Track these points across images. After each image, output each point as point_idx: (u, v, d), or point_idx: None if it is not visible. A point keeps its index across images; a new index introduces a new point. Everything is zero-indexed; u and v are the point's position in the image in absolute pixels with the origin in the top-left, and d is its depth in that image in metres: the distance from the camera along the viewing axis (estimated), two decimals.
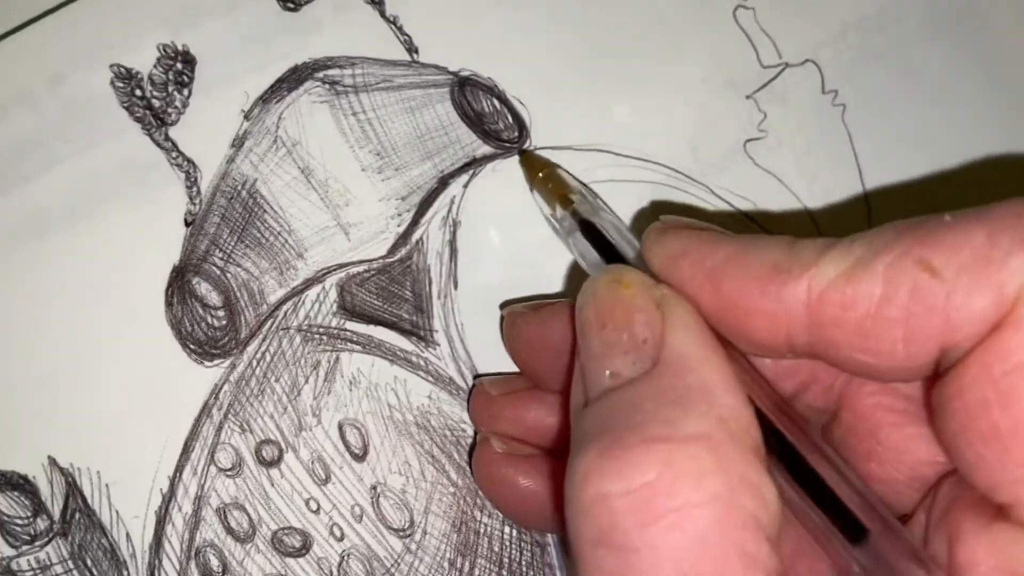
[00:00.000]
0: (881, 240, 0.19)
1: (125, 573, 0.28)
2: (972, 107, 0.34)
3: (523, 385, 0.28)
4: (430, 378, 0.31)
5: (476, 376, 0.30)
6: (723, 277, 0.21)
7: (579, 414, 0.21)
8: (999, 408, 0.17)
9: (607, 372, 0.21)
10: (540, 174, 0.30)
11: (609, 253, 0.26)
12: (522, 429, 0.28)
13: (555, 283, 0.32)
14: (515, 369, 0.29)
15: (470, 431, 0.31)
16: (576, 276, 0.31)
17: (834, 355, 0.20)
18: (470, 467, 0.30)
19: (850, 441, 0.24)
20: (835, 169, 0.33)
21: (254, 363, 0.29)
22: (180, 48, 0.30)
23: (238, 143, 0.30)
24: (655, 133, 0.32)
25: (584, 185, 0.29)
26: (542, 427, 0.28)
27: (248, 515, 0.29)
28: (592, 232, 0.26)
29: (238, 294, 0.29)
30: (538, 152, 0.31)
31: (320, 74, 0.31)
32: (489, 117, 0.32)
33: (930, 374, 0.20)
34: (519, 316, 0.28)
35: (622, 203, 0.32)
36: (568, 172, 0.30)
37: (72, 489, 0.28)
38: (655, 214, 0.28)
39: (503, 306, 0.30)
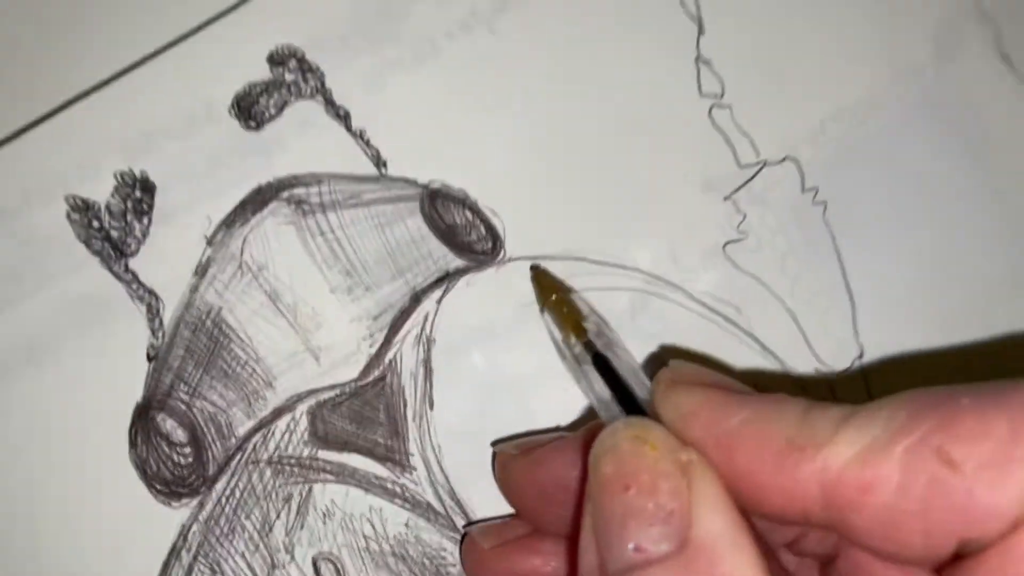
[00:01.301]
0: (898, 419, 0.19)
1: None
2: (961, 198, 0.33)
3: (517, 532, 0.27)
4: (407, 505, 0.30)
5: (467, 524, 0.29)
6: (736, 447, 0.20)
7: None
8: None
9: (630, 544, 0.19)
10: (554, 296, 0.28)
11: (621, 391, 0.25)
12: None
13: (534, 397, 0.31)
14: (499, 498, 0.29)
15: (450, 558, 0.30)
16: (560, 397, 0.30)
17: (853, 537, 0.19)
18: None
19: None
20: (818, 269, 0.32)
21: (223, 500, 0.28)
22: (138, 175, 0.29)
23: (201, 271, 0.29)
24: (632, 238, 0.31)
25: (596, 313, 0.28)
26: None
27: None
28: (603, 367, 0.25)
29: (205, 429, 0.28)
30: (550, 271, 0.30)
31: (285, 194, 0.30)
32: (461, 229, 0.31)
33: (948, 560, 0.19)
34: (510, 459, 0.27)
35: (600, 311, 0.31)
36: (582, 298, 0.29)
37: None
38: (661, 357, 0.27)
39: (495, 444, 0.29)
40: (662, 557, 0.19)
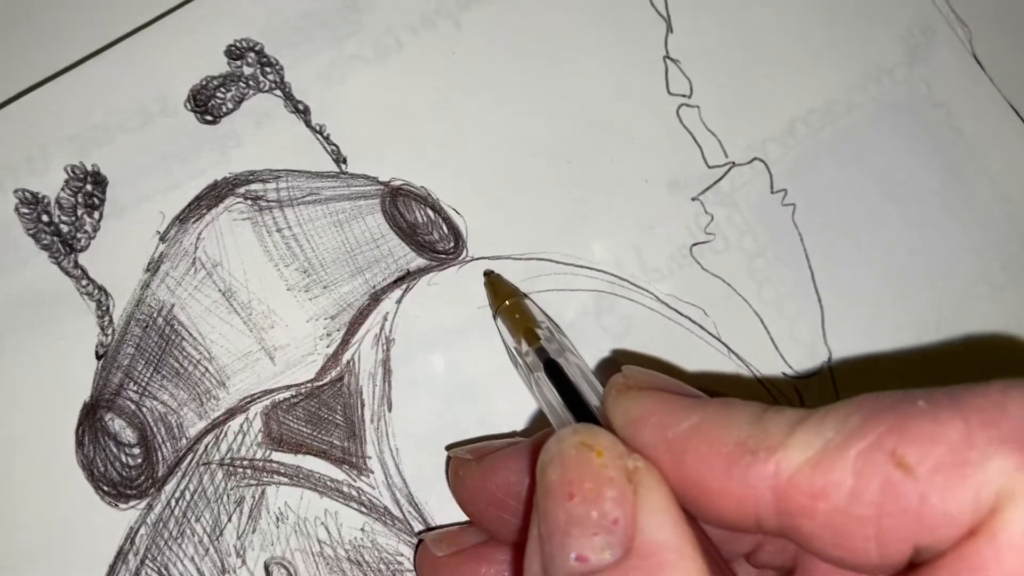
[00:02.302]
0: (852, 422, 0.18)
1: None
2: (931, 200, 0.33)
3: (471, 540, 0.27)
4: (363, 509, 0.29)
5: (420, 532, 0.29)
6: (686, 451, 0.20)
7: None
8: None
9: (572, 554, 0.19)
10: (507, 302, 0.28)
11: (572, 398, 0.24)
12: None
13: (495, 399, 0.30)
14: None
15: (407, 564, 0.29)
16: (521, 399, 0.29)
17: (806, 544, 0.19)
18: None
19: None
20: (786, 271, 0.32)
21: (173, 503, 0.28)
22: (89, 168, 0.28)
23: (153, 267, 0.28)
24: (597, 238, 0.31)
25: (550, 319, 0.28)
26: None
27: None
28: (556, 373, 0.25)
29: (155, 429, 0.28)
30: (503, 277, 0.30)
31: (241, 189, 0.29)
32: (423, 228, 0.30)
33: (904, 568, 0.18)
34: (462, 466, 0.26)
35: (564, 313, 0.30)
36: (535, 303, 0.28)
37: None
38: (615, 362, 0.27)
39: (449, 447, 0.29)
40: (604, 566, 0.18)
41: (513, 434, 0.29)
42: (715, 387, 0.31)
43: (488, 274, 0.30)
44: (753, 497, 0.19)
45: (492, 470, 0.25)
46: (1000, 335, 0.32)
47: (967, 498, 0.16)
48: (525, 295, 0.29)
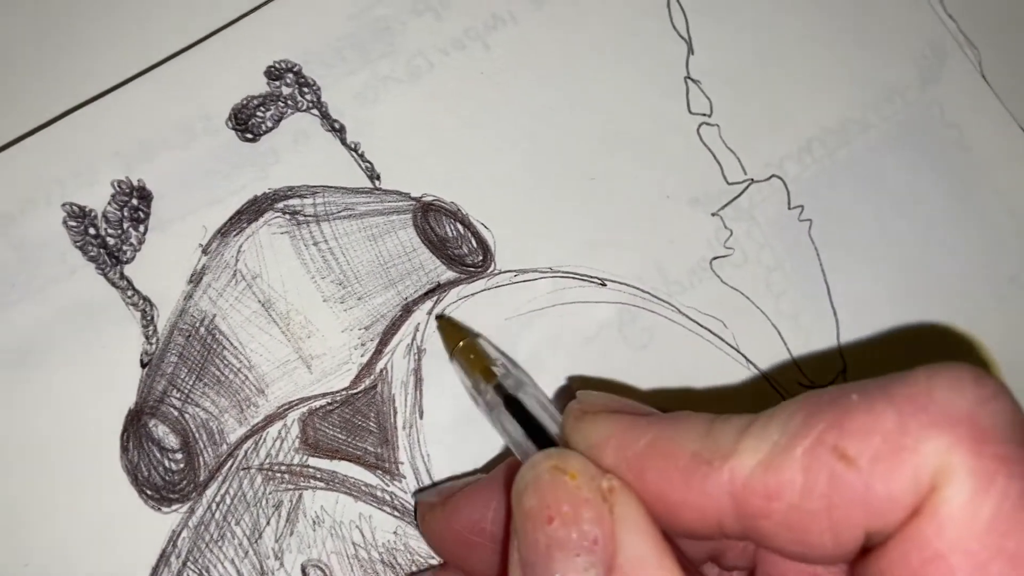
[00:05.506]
0: (794, 422, 0.19)
1: None
2: (942, 217, 0.34)
3: None
4: (396, 513, 0.30)
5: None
6: (646, 468, 0.20)
7: None
8: None
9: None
10: (460, 344, 0.28)
11: (534, 430, 0.24)
12: None
13: None
14: None
15: None
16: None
17: (767, 543, 0.20)
18: None
19: None
20: (802, 285, 0.33)
21: (214, 506, 0.29)
22: (135, 183, 0.29)
23: (196, 279, 0.29)
24: (620, 252, 0.32)
25: (504, 355, 0.28)
26: None
27: None
28: (516, 407, 0.25)
29: (197, 435, 0.29)
30: (455, 319, 0.30)
31: (280, 204, 0.30)
32: (453, 242, 0.31)
33: (859, 553, 0.19)
34: (428, 510, 0.27)
35: (588, 325, 0.31)
36: (488, 341, 0.29)
37: None
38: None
39: (416, 493, 0.30)
40: None
41: (476, 471, 0.30)
42: (732, 398, 0.32)
43: (440, 318, 0.30)
44: (713, 505, 0.19)
45: (455, 511, 0.26)
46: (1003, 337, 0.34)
47: (907, 481, 0.18)
48: (478, 334, 0.29)
